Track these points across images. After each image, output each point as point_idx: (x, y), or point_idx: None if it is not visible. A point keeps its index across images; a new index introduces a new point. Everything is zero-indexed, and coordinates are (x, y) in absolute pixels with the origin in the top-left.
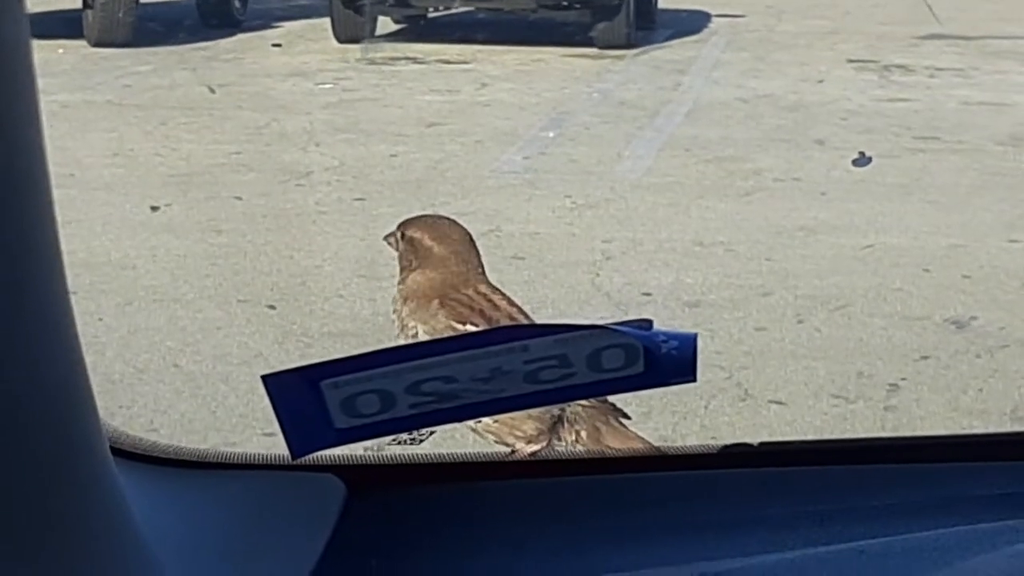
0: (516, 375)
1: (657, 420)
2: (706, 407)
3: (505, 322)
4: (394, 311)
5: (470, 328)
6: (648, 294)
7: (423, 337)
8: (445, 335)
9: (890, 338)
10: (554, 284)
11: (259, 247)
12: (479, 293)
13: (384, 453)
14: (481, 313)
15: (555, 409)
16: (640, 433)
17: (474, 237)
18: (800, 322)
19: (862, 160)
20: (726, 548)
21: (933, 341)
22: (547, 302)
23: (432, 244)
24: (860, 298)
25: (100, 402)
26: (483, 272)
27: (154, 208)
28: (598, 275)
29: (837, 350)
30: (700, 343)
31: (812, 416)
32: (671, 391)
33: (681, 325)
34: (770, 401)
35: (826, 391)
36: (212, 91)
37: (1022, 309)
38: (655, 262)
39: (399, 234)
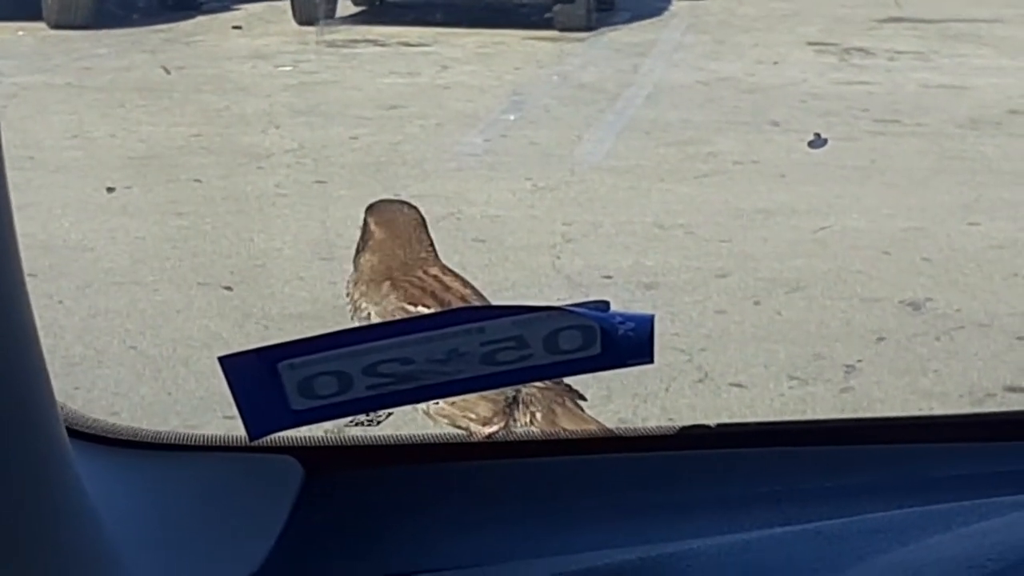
0: (473, 356)
1: (617, 403)
2: (666, 389)
3: (457, 303)
4: (347, 294)
5: (421, 310)
6: (608, 276)
7: (375, 319)
8: (396, 316)
9: (849, 320)
10: (514, 266)
11: (218, 229)
12: (430, 275)
13: (342, 435)
14: (433, 295)
15: (509, 391)
16: (600, 416)
17: (427, 220)
18: (759, 304)
19: (818, 142)
20: (683, 529)
21: (891, 323)
22: (507, 284)
23: (376, 228)
24: (819, 280)
25: (59, 385)
26: (434, 254)
27: (110, 189)
28: (558, 258)
29: (796, 332)
30: (660, 326)
31: (771, 398)
32: (631, 374)
33: (641, 307)
34: (730, 384)
35: (785, 373)
36: (167, 72)
37: (980, 291)
38: (615, 244)
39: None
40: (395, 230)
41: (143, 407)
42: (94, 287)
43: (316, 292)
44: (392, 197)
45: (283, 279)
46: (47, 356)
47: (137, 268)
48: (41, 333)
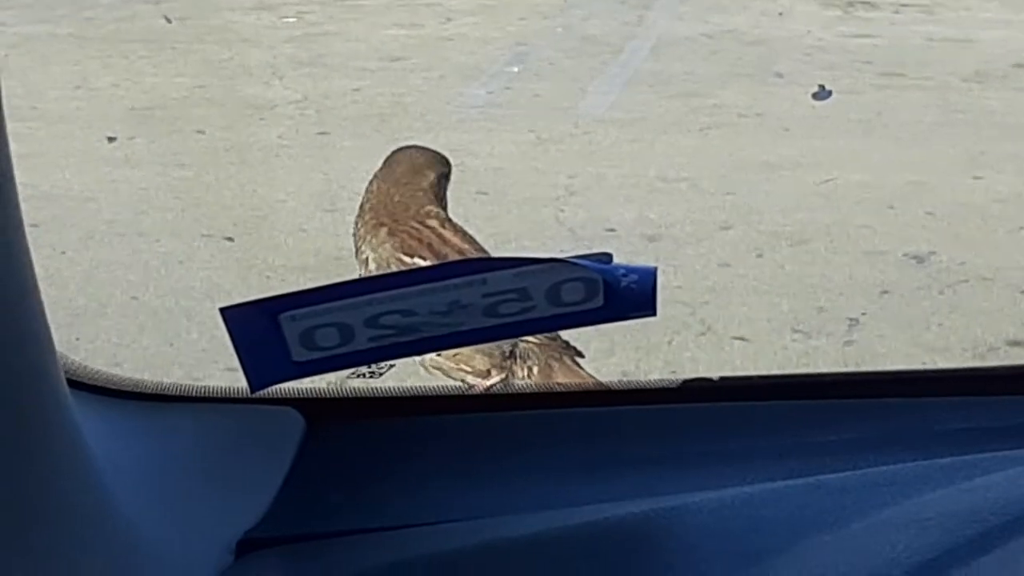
0: (475, 308)
1: (620, 356)
2: (669, 343)
3: (454, 257)
4: (354, 233)
5: (418, 261)
6: (612, 229)
7: (371, 264)
8: (391, 265)
9: (852, 274)
10: (518, 219)
11: (221, 181)
12: (428, 227)
13: (344, 387)
14: (429, 247)
15: (506, 346)
16: (603, 369)
17: (447, 171)
18: (762, 257)
19: (822, 93)
20: (683, 482)
21: (895, 277)
22: (511, 237)
23: (376, 172)
24: (823, 234)
25: (62, 336)
26: (439, 205)
27: (111, 139)
28: (562, 210)
29: (799, 286)
30: (663, 278)
31: (774, 351)
32: (634, 327)
33: (644, 260)
34: (733, 337)
35: (788, 327)
36: (169, 21)
37: (984, 246)
38: (618, 197)
39: None
40: (394, 171)
41: (145, 358)
42: (96, 238)
43: (319, 244)
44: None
45: (286, 231)
46: (49, 307)
47: (140, 219)
48: (44, 284)
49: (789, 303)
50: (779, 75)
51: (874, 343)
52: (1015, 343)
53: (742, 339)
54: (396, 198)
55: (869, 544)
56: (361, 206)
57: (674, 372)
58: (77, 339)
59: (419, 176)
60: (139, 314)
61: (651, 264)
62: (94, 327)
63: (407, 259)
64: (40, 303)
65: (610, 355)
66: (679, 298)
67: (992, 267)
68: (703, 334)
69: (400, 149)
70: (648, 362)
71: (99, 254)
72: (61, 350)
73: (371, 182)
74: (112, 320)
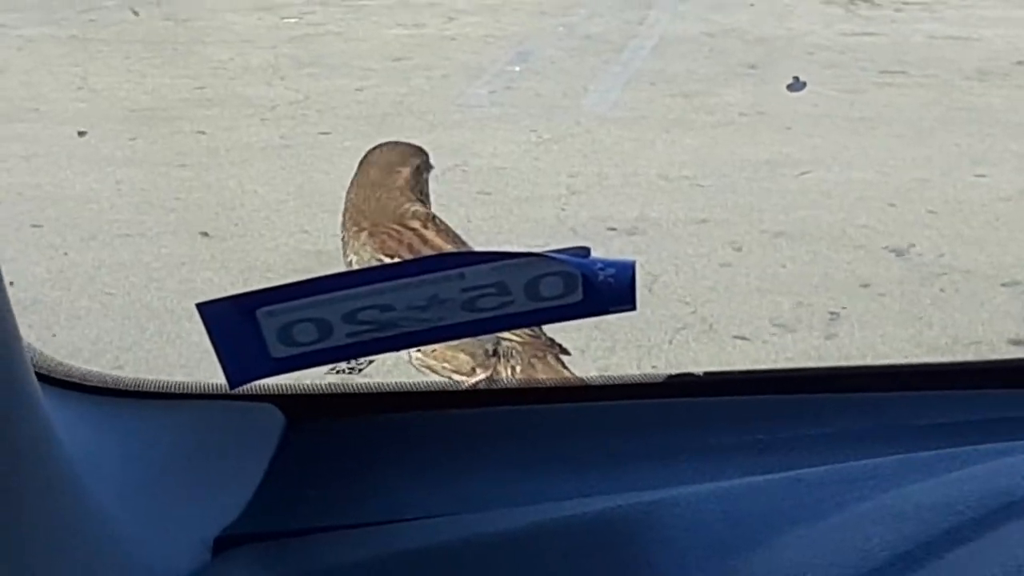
0: (454, 303)
1: (621, 354)
2: (670, 341)
3: None
4: (341, 239)
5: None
6: (613, 228)
7: (355, 267)
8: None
9: (854, 272)
10: (520, 218)
11: (223, 181)
12: (410, 227)
13: (323, 383)
14: (409, 247)
15: (489, 344)
16: (604, 367)
17: (438, 173)
18: (764, 256)
19: (796, 85)
20: (664, 476)
21: (897, 275)
22: (513, 236)
23: (352, 179)
24: (825, 232)
25: (64, 337)
26: (422, 203)
27: (83, 136)
28: (564, 209)
29: (802, 284)
30: (664, 277)
31: (775, 350)
32: (636, 325)
33: (646, 259)
34: (734, 336)
35: (787, 324)
36: (136, 13)
37: (988, 243)
38: (620, 196)
39: None
40: (368, 175)
41: (147, 359)
42: (99, 239)
43: (320, 244)
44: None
45: (288, 231)
46: (51, 308)
47: (142, 220)
48: (46, 285)
49: (790, 301)
50: (782, 74)
51: (875, 342)
52: (1017, 342)
53: (743, 338)
54: (373, 203)
55: (845, 537)
56: (343, 214)
57: (675, 371)
58: (81, 340)
59: (392, 175)
60: (141, 315)
61: (630, 257)
62: (96, 328)
63: (386, 260)
64: (4, 296)
65: (611, 353)
66: (681, 296)
67: (994, 264)
68: (705, 332)
69: (372, 149)
70: (649, 360)
71: (101, 255)
72: (61, 351)
73: (348, 190)
74: (114, 321)
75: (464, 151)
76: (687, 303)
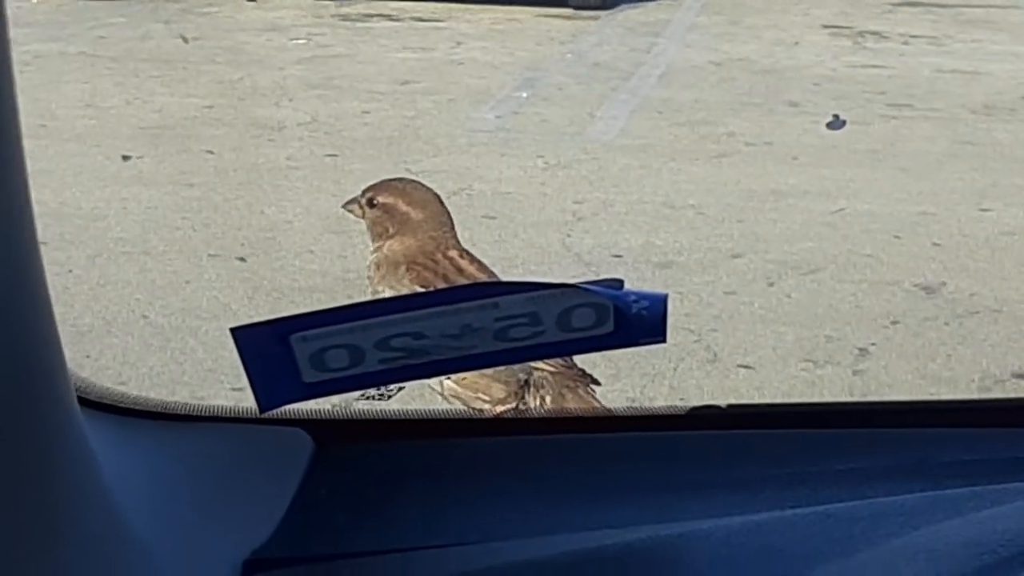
0: (486, 332)
1: (625, 382)
2: (675, 369)
3: None
4: (368, 278)
5: None
6: (618, 255)
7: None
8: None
9: (859, 303)
10: (525, 244)
11: (230, 201)
12: (447, 257)
13: (352, 408)
14: (444, 278)
15: (521, 374)
16: (608, 394)
17: (444, 197)
18: (770, 286)
19: (836, 123)
20: (692, 509)
21: (902, 307)
22: (517, 262)
23: (408, 210)
24: (830, 263)
25: (69, 353)
26: (454, 234)
27: (125, 158)
28: (569, 235)
29: (806, 315)
30: (670, 305)
31: (780, 380)
32: (640, 353)
33: (651, 287)
34: (739, 365)
35: (795, 355)
36: (185, 41)
37: (992, 277)
38: (626, 223)
39: (365, 200)
40: (428, 210)
41: (151, 377)
42: (104, 256)
43: (326, 265)
44: (396, 176)
45: (294, 252)
46: (58, 325)
47: (148, 238)
48: (52, 301)
49: (795, 332)
50: (788, 104)
51: (880, 373)
52: (1021, 376)
53: (748, 367)
54: (433, 236)
55: (877, 574)
56: (380, 258)
57: (681, 399)
58: (85, 357)
59: (442, 210)
60: (145, 333)
61: (662, 291)
62: (100, 345)
63: (422, 290)
64: (53, 321)
65: (615, 381)
66: (686, 325)
67: (1000, 299)
68: (710, 361)
69: (401, 192)
70: (653, 388)
71: (107, 272)
72: (70, 368)
73: (382, 241)
74: (118, 338)
75: (470, 175)
76: (692, 331)
